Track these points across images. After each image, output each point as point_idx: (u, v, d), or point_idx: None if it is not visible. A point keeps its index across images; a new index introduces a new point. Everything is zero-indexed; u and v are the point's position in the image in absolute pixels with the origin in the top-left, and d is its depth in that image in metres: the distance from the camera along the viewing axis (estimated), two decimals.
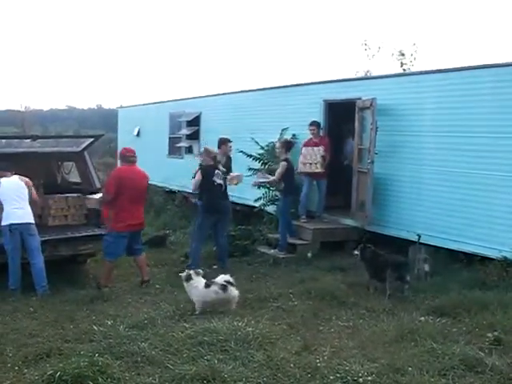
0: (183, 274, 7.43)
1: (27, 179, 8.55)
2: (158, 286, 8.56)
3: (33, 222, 8.35)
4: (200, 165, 9.91)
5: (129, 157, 8.78)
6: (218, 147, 10.33)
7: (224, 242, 9.78)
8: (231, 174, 10.03)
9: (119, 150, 21.19)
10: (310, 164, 11.07)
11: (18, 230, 8.16)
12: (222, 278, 7.21)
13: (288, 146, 10.69)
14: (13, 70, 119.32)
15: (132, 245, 8.75)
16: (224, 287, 7.08)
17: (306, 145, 11.22)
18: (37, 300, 7.80)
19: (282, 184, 10.58)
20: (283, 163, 10.38)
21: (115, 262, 8.80)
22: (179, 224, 13.80)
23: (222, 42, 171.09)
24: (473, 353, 5.45)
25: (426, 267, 8.65)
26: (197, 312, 7.07)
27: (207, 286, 7.14)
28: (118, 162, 9.00)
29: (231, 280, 7.22)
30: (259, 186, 11.30)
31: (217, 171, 9.52)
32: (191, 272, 7.41)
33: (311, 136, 11.28)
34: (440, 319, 6.64)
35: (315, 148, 11.06)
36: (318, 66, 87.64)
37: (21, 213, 8.24)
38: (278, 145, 10.94)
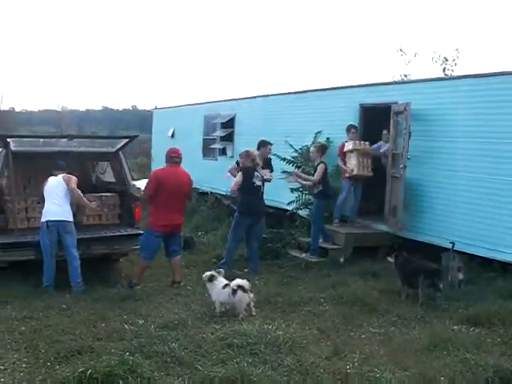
0: (205, 275, 7.47)
1: (72, 177, 8.62)
2: (189, 288, 8.57)
3: (70, 219, 8.45)
4: (236, 165, 9.97)
5: (172, 157, 8.80)
6: (258, 149, 10.32)
7: (256, 245, 9.78)
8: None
9: (153, 150, 21.50)
10: (363, 168, 11.02)
11: (55, 227, 8.28)
12: (236, 282, 7.18)
13: (323, 150, 10.65)
14: (51, 72, 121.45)
15: (168, 246, 8.82)
16: (234, 291, 7.06)
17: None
18: (70, 297, 7.88)
19: (319, 186, 10.49)
20: (321, 165, 10.37)
21: (149, 261, 8.85)
22: (211, 226, 13.82)
23: (258, 44, 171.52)
24: (508, 365, 5.36)
25: (460, 275, 8.52)
26: (217, 312, 7.11)
27: (224, 286, 7.17)
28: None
29: (245, 285, 7.15)
30: (296, 183, 11.20)
31: (256, 173, 9.55)
32: (214, 273, 7.45)
33: (351, 139, 11.18)
34: (474, 329, 6.55)
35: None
36: (354, 70, 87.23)
37: (58, 210, 8.35)
38: (312, 149, 10.89)
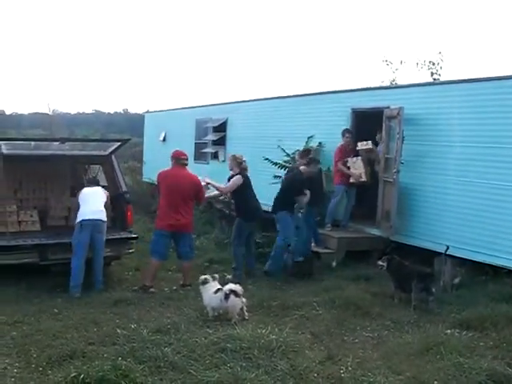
0: (201, 278, 7.47)
1: (107, 192, 9.15)
2: (181, 292, 8.55)
3: (104, 219, 8.65)
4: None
5: (179, 159, 8.97)
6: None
7: (254, 248, 10.00)
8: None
9: (145, 154, 21.42)
10: (367, 175, 11.02)
11: (89, 227, 8.42)
12: (229, 287, 7.17)
13: (307, 155, 10.59)
14: (41, 74, 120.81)
15: (178, 248, 8.95)
16: (226, 295, 7.04)
17: (349, 155, 11.16)
18: (61, 302, 7.87)
19: None
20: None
21: (161, 261, 8.93)
22: (203, 229, 13.79)
23: (250, 48, 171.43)
24: (501, 368, 5.37)
25: (456, 280, 8.57)
26: (209, 316, 7.10)
27: (216, 291, 7.15)
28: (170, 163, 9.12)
29: (238, 289, 7.13)
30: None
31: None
32: (207, 276, 7.44)
33: (344, 144, 11.18)
34: (466, 333, 6.55)
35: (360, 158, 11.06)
36: (344, 76, 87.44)
37: (94, 209, 8.59)
38: (297, 156, 10.86)
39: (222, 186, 9.77)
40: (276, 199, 9.91)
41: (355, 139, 11.39)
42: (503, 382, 5.16)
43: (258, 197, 9.80)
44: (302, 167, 10.10)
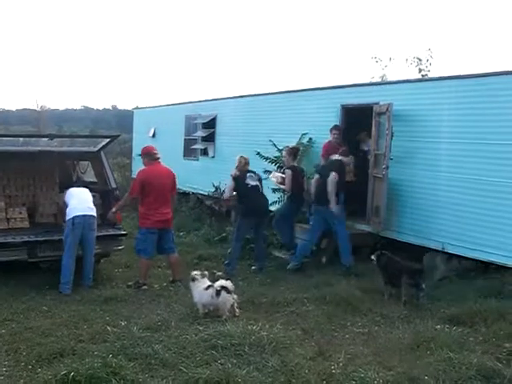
0: (191, 274, 7.46)
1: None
2: (171, 288, 8.54)
3: (95, 215, 8.61)
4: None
5: (153, 154, 8.94)
6: None
7: (263, 245, 10.08)
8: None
9: (134, 150, 21.36)
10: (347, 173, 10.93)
11: (81, 224, 8.35)
12: (220, 283, 7.16)
13: (295, 153, 10.61)
14: (29, 70, 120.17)
15: (162, 243, 8.92)
16: (218, 292, 7.04)
17: (334, 151, 10.88)
18: (50, 299, 7.82)
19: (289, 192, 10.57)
20: (288, 171, 10.40)
21: (150, 258, 8.92)
22: (193, 226, 13.77)
23: (240, 44, 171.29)
24: (490, 363, 5.39)
25: (446, 275, 8.65)
26: (199, 313, 7.09)
27: (207, 288, 7.14)
28: (142, 160, 9.04)
29: (228, 286, 7.12)
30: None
31: (249, 174, 9.74)
32: (196, 273, 7.43)
33: (332, 140, 11.12)
34: (456, 328, 6.56)
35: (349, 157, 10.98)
36: (334, 72, 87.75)
37: (84, 205, 8.54)
38: (284, 153, 10.85)
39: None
40: (326, 192, 9.67)
41: (344, 135, 11.39)
42: (493, 376, 5.19)
43: None
44: (340, 157, 10.15)
